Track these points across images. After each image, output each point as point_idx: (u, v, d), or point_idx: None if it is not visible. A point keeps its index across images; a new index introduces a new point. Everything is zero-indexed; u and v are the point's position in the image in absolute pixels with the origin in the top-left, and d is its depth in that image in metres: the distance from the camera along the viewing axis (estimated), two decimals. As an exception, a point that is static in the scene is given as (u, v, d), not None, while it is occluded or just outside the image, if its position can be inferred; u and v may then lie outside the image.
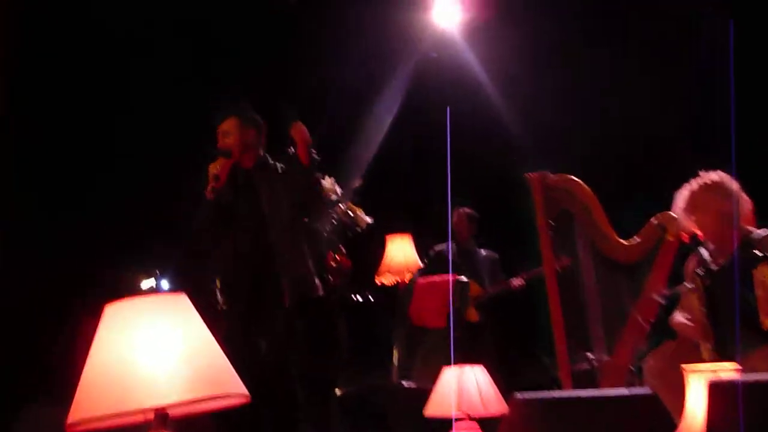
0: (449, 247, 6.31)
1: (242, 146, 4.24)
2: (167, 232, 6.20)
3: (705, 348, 3.61)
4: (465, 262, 6.24)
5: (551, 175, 4.77)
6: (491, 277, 6.09)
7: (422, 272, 6.24)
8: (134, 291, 5.78)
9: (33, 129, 6.00)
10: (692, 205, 3.81)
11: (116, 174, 6.53)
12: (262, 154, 4.31)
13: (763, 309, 3.42)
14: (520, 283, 5.98)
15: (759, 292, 3.45)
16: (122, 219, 6.38)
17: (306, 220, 4.31)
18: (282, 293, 4.10)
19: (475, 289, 5.81)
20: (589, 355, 4.66)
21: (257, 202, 4.18)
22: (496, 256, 6.32)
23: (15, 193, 5.54)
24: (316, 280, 4.26)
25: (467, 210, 6.40)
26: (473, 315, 5.59)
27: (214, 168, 4.14)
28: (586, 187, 4.67)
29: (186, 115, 6.35)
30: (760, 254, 3.53)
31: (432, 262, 6.29)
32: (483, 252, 6.34)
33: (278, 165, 4.30)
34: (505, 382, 5.39)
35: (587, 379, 4.72)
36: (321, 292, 4.25)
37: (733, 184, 3.80)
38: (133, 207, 6.49)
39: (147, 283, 6.18)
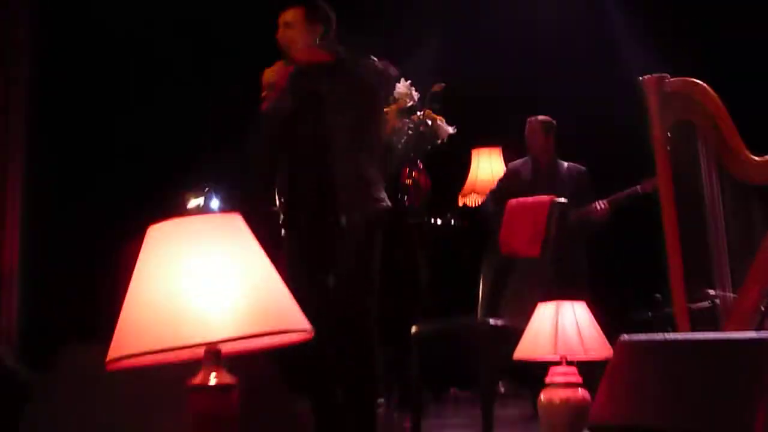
0: (514, 165, 6.26)
1: (304, 44, 4.22)
2: (218, 145, 6.30)
3: None
4: (542, 179, 6.16)
5: (670, 78, 4.70)
6: (577, 196, 5.99)
7: (494, 194, 6.21)
8: (180, 210, 5.89)
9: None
10: None
11: (163, 85, 6.64)
12: (333, 50, 4.26)
13: None
14: (602, 208, 5.89)
15: None
16: (165, 130, 6.49)
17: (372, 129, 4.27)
18: (341, 210, 4.11)
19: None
20: (711, 291, 4.63)
21: (320, 112, 4.16)
22: (583, 170, 6.22)
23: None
24: (382, 194, 4.25)
25: (541, 118, 6.28)
26: None
27: (270, 75, 4.13)
28: (712, 92, 4.57)
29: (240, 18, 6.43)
30: None
31: (505, 182, 6.25)
32: (566, 166, 6.24)
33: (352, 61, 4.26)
34: (610, 321, 5.43)
35: (708, 320, 4.69)
36: (387, 206, 4.24)
37: None
38: (178, 117, 6.60)
39: (194, 202, 6.28)
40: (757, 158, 4.48)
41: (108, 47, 6.55)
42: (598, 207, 5.93)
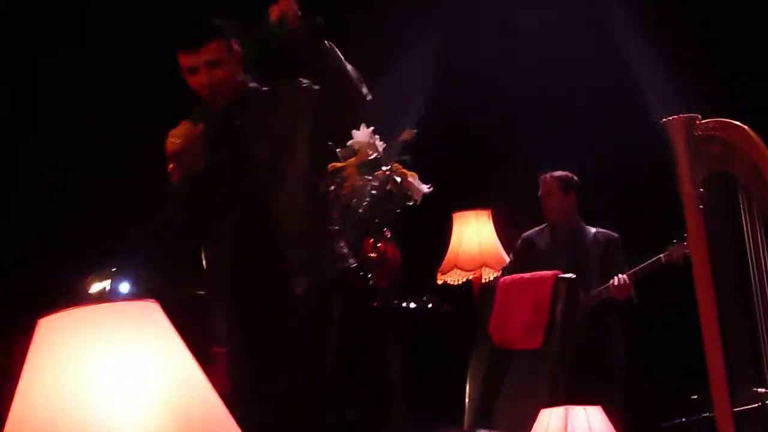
0: (528, 234, 6.31)
1: (234, 79, 4.25)
2: (127, 217, 6.29)
3: None
4: (562, 251, 6.20)
5: (701, 120, 4.75)
6: (605, 271, 6.03)
7: (508, 271, 6.23)
8: (81, 298, 5.86)
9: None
10: None
11: (58, 151, 6.68)
12: (244, 81, 4.30)
13: None
14: (622, 282, 5.92)
15: None
16: (61, 202, 6.49)
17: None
18: (289, 277, 4.10)
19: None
20: (762, 390, 4.65)
21: (246, 155, 4.18)
22: (615, 236, 6.27)
23: None
24: (345, 251, 4.26)
25: (557, 174, 6.33)
26: None
27: (175, 141, 4.11)
28: (754, 135, 4.63)
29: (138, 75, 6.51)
30: None
31: (519, 256, 6.29)
32: (594, 233, 6.28)
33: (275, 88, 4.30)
34: (636, 428, 5.43)
35: (758, 426, 4.70)
36: (351, 265, 4.25)
37: None
38: (76, 187, 6.61)
39: (98, 286, 6.26)
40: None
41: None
42: (617, 282, 5.94)
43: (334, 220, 4.33)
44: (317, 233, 4.19)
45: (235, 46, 4.26)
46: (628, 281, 5.96)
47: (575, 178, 6.32)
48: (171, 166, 4.12)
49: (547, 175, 6.30)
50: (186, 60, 4.20)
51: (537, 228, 6.39)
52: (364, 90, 4.20)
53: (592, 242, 6.25)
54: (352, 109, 4.33)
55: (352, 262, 4.32)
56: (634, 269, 6.00)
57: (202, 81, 4.20)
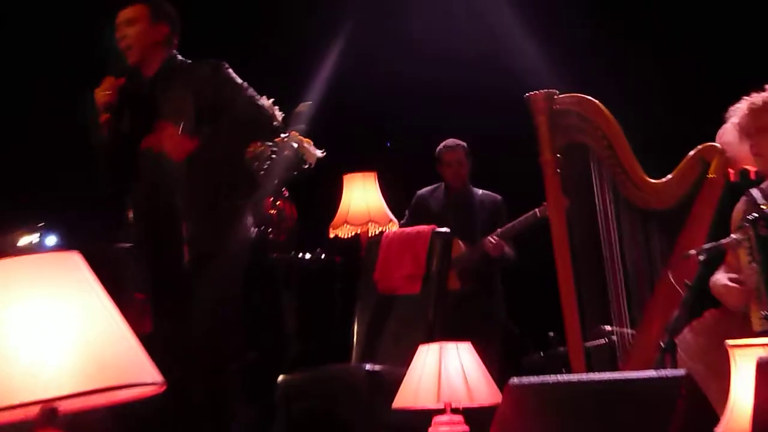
0: (422, 192, 6.33)
1: (148, 43, 4.19)
2: (53, 174, 6.18)
3: (756, 316, 3.68)
4: (456, 210, 6.22)
5: (559, 95, 4.79)
6: (492, 228, 6.07)
7: (404, 225, 6.24)
8: (9, 250, 5.75)
9: None
10: (751, 124, 3.83)
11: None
12: (171, 54, 4.25)
13: None
14: (494, 243, 5.96)
15: None
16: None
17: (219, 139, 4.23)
18: (181, 244, 4.09)
19: (458, 247, 5.82)
20: (608, 327, 4.75)
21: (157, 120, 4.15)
22: (499, 199, 6.29)
23: None
24: (247, 222, 4.24)
25: (463, 143, 6.33)
26: (453, 282, 5.61)
27: (102, 94, 4.08)
28: (605, 111, 4.69)
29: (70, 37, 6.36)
30: None
31: (413, 211, 6.30)
32: (480, 194, 6.31)
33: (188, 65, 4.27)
34: (502, 365, 5.50)
35: (605, 359, 4.80)
36: (250, 236, 4.23)
37: None
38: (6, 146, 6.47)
39: (26, 240, 6.15)
40: (653, 181, 4.61)
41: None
42: (490, 241, 5.98)
43: (240, 195, 4.27)
44: (221, 205, 4.16)
45: (163, 25, 4.22)
46: (498, 239, 5.99)
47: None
48: (105, 117, 4.08)
49: (459, 147, 6.29)
50: (117, 18, 4.22)
51: (430, 187, 6.38)
52: (274, 121, 4.22)
53: (479, 203, 6.27)
54: (261, 134, 4.29)
55: (254, 231, 4.30)
56: (504, 228, 6.03)
57: (120, 35, 4.21)
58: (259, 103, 4.24)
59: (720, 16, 6.47)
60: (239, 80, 4.24)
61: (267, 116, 4.22)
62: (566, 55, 6.59)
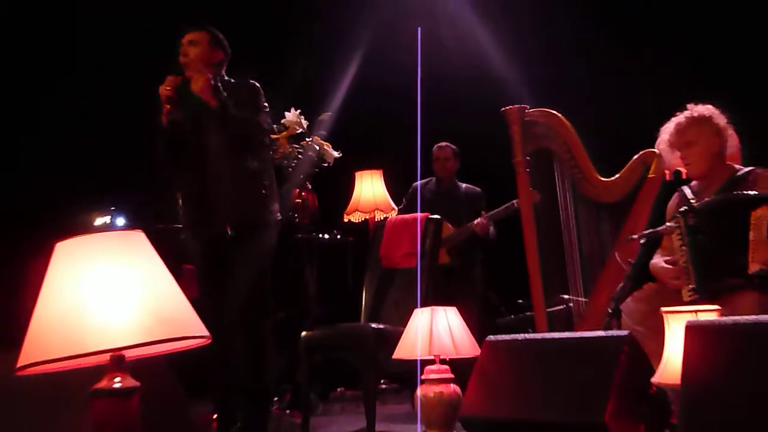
0: (417, 184, 6.31)
1: (204, 62, 4.17)
2: (124, 166, 6.17)
3: (685, 290, 3.67)
4: (445, 199, 6.22)
5: (530, 110, 4.79)
6: (473, 215, 6.07)
7: (401, 211, 6.25)
8: (87, 229, 5.74)
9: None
10: (679, 138, 3.83)
11: (71, 109, 6.47)
12: (219, 74, 4.23)
13: (754, 253, 3.46)
14: (481, 223, 5.96)
15: (752, 234, 3.48)
16: (75, 153, 6.33)
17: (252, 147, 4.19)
18: (224, 220, 4.06)
19: (447, 229, 5.82)
20: (566, 296, 4.74)
21: (205, 128, 4.12)
22: (479, 191, 6.28)
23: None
24: (275, 207, 4.22)
25: (452, 146, 6.35)
26: (443, 257, 5.61)
27: (165, 89, 4.06)
28: (566, 122, 4.69)
29: (142, 46, 6.30)
30: (756, 194, 3.56)
31: (410, 200, 6.30)
32: (464, 187, 6.31)
33: (231, 83, 4.24)
34: (480, 325, 5.49)
35: (563, 322, 4.80)
36: (276, 216, 4.21)
37: (722, 119, 3.82)
38: (86, 141, 6.45)
39: (101, 220, 6.15)
40: (604, 179, 4.62)
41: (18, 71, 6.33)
42: (478, 222, 5.98)
43: (266, 187, 4.24)
44: (250, 191, 4.13)
45: (218, 52, 4.21)
46: (485, 221, 5.99)
47: (457, 149, 6.36)
48: (167, 107, 4.06)
49: (447, 147, 6.30)
50: (183, 38, 4.21)
51: (424, 180, 6.37)
52: (265, 125, 4.18)
53: (464, 194, 6.26)
54: (255, 136, 4.24)
55: (278, 216, 4.28)
56: (491, 213, 6.02)
57: (183, 51, 4.20)
58: (264, 125, 4.20)
59: (666, 34, 6.37)
60: (263, 102, 4.22)
61: (260, 134, 4.18)
62: (536, 71, 6.56)
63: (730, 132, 3.85)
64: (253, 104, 4.15)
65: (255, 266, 4.07)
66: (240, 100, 4.11)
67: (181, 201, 4.29)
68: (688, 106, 3.89)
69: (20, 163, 6.08)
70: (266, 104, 4.25)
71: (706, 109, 3.84)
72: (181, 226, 4.43)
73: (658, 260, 3.88)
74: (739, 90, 5.90)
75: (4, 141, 6.14)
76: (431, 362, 3.83)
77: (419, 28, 5.58)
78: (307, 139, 5.69)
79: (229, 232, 4.06)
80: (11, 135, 6.19)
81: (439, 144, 6.34)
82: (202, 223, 4.12)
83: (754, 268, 3.46)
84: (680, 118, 3.85)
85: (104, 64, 6.47)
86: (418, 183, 6.31)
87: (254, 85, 4.23)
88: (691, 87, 4.42)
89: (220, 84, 4.11)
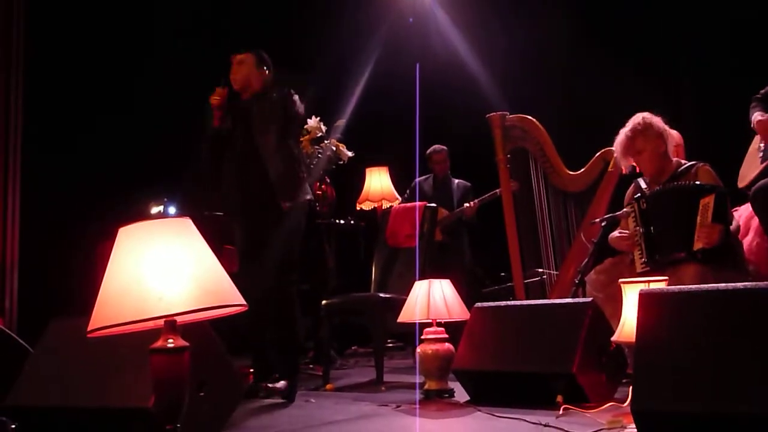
0: (417, 180, 6.32)
1: (251, 79, 4.16)
2: (174, 163, 6.17)
3: (638, 263, 3.66)
4: (440, 192, 6.24)
5: (509, 115, 4.78)
6: (463, 202, 6.10)
7: (404, 200, 6.25)
8: (144, 216, 5.74)
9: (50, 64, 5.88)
10: (630, 149, 3.79)
11: (130, 116, 6.45)
12: (263, 89, 4.21)
13: (699, 233, 3.45)
14: (470, 206, 5.99)
15: (699, 218, 3.47)
16: (133, 153, 6.33)
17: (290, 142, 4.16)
18: (270, 200, 4.04)
19: (442, 213, 5.85)
20: (540, 270, 4.74)
21: (250, 129, 4.10)
22: (469, 185, 6.30)
23: (37, 129, 5.44)
24: (307, 189, 4.20)
25: (444, 147, 6.37)
26: (438, 235, 5.65)
27: (215, 98, 4.05)
28: (540, 125, 4.69)
29: (193, 59, 6.28)
30: (705, 184, 3.55)
31: (411, 192, 6.32)
32: (456, 182, 6.33)
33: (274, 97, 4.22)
34: (469, 294, 5.49)
35: (538, 291, 4.80)
36: (308, 197, 4.19)
37: (660, 123, 3.78)
38: (143, 142, 6.45)
39: (156, 209, 6.15)
40: (571, 173, 4.62)
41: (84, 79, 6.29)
42: (468, 205, 6.00)
43: (302, 171, 4.22)
44: (292, 175, 4.10)
45: (263, 71, 4.19)
46: (474, 206, 5.99)
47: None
48: (217, 115, 4.05)
49: (442, 150, 6.30)
50: (233, 58, 4.19)
51: (423, 177, 6.39)
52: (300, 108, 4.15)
53: (455, 187, 6.27)
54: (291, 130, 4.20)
55: (311, 197, 4.27)
56: (480, 198, 6.01)
57: (233, 70, 4.17)
58: (298, 119, 4.18)
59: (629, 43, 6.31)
60: (298, 107, 4.18)
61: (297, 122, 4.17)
62: (516, 82, 6.52)
63: (670, 132, 3.82)
64: (286, 109, 4.11)
65: (285, 242, 4.04)
66: (273, 107, 4.09)
67: (226, 191, 4.25)
68: (632, 118, 3.82)
69: (87, 161, 6.07)
70: (298, 107, 4.20)
71: (645, 119, 3.76)
72: (222, 213, 4.41)
73: (614, 233, 3.88)
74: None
75: (73, 144, 6.13)
76: (429, 325, 3.83)
77: (417, 65, 5.60)
78: (325, 142, 5.70)
79: (285, 209, 4.00)
80: (78, 138, 6.17)
81: (435, 148, 6.35)
82: (245, 209, 4.10)
83: (698, 245, 3.46)
84: (626, 131, 3.77)
85: (162, 76, 6.44)
86: (416, 180, 6.32)
87: (288, 92, 4.19)
88: (647, 96, 4.40)
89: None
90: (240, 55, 4.18)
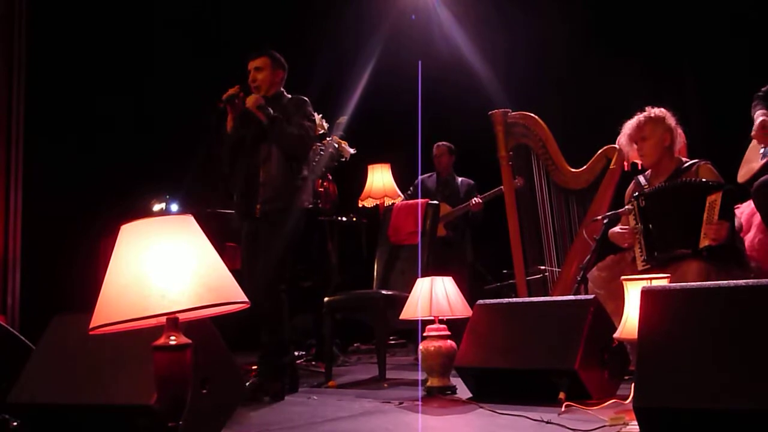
0: (420, 177, 6.32)
1: (269, 83, 4.15)
2: (177, 160, 6.16)
3: (639, 260, 3.66)
4: (444, 189, 6.24)
5: (511, 113, 4.78)
6: (467, 198, 6.11)
7: (408, 197, 6.25)
8: (147, 213, 5.74)
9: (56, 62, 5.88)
10: (637, 133, 3.86)
11: (133, 113, 6.45)
12: (279, 90, 4.21)
13: (706, 230, 3.46)
14: (477, 202, 6.00)
15: (706, 215, 3.49)
16: (136, 149, 6.33)
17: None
18: (263, 207, 4.04)
19: (444, 209, 5.85)
20: (542, 267, 4.73)
21: (257, 137, 4.10)
22: (472, 182, 6.31)
23: (39, 126, 5.43)
24: (305, 196, 4.19)
25: (447, 144, 6.36)
26: (441, 230, 5.66)
27: (227, 97, 4.03)
28: (542, 122, 4.68)
29: (201, 61, 6.29)
30: (712, 181, 3.56)
31: (415, 190, 6.32)
32: (460, 179, 6.34)
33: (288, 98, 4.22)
34: (471, 291, 5.49)
35: (540, 288, 4.80)
36: (304, 204, 4.18)
37: (672, 120, 3.85)
38: (145, 139, 6.45)
39: (158, 206, 6.15)
40: (573, 170, 4.61)
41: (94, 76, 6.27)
42: (474, 201, 6.01)
43: (300, 179, 4.20)
44: (289, 184, 4.09)
45: (280, 71, 4.19)
46: (479, 201, 6.00)
47: (453, 147, 6.34)
48: (230, 116, 4.04)
49: (440, 144, 6.30)
50: (249, 65, 4.18)
51: (427, 174, 6.39)
52: (306, 136, 4.11)
53: (459, 184, 6.28)
54: (297, 149, 4.18)
55: (309, 203, 4.25)
56: (485, 195, 6.00)
57: (251, 77, 4.17)
58: (309, 132, 4.15)
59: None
60: (309, 111, 4.18)
61: (306, 140, 4.13)
62: (518, 80, 6.52)
63: (679, 131, 3.87)
64: (299, 115, 4.11)
65: (279, 243, 4.04)
66: (290, 113, 4.09)
67: (234, 193, 4.25)
68: (646, 108, 3.90)
69: (90, 158, 6.07)
70: (312, 114, 4.21)
71: (660, 111, 3.88)
72: (224, 211, 4.39)
73: (615, 228, 3.90)
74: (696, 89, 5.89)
75: (76, 141, 6.13)
76: (431, 322, 3.83)
77: (419, 62, 5.58)
78: (328, 139, 5.69)
79: (260, 215, 4.02)
80: (81, 135, 6.18)
81: (438, 144, 6.35)
82: (248, 211, 4.10)
83: (704, 242, 3.47)
84: (639, 116, 3.89)
85: (166, 73, 6.43)
86: (419, 178, 6.33)
87: (301, 98, 4.20)
88: (650, 94, 4.39)
89: (268, 107, 4.07)
90: (255, 60, 4.17)
